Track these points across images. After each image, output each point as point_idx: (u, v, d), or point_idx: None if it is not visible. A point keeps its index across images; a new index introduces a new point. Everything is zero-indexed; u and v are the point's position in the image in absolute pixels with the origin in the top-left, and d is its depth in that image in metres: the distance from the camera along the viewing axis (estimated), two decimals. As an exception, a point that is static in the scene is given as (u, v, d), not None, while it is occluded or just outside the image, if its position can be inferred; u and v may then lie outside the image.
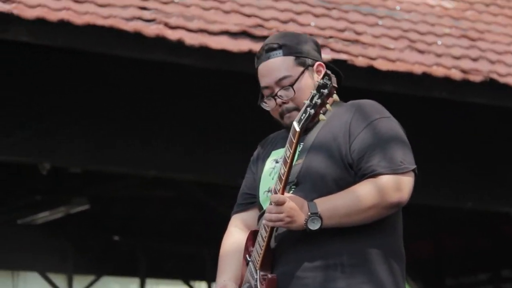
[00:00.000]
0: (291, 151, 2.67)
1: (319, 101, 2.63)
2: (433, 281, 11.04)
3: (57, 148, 6.45)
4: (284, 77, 2.83)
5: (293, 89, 2.82)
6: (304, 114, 2.66)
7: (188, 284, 11.16)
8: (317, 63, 2.87)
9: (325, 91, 2.63)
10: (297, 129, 2.66)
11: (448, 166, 7.40)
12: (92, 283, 10.52)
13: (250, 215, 2.93)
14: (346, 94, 2.87)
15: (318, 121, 2.71)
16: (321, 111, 2.65)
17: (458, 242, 10.54)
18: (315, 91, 2.64)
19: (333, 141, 2.78)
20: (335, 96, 2.68)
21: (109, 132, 6.57)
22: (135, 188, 8.85)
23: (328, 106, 2.66)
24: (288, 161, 2.67)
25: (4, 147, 6.29)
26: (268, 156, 2.92)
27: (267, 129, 3.03)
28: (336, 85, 2.67)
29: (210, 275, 10.83)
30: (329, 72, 2.69)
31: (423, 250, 10.31)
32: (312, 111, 2.64)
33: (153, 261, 10.61)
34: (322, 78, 2.65)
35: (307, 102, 2.66)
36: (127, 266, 10.67)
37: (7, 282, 10.05)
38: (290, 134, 2.69)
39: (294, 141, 2.66)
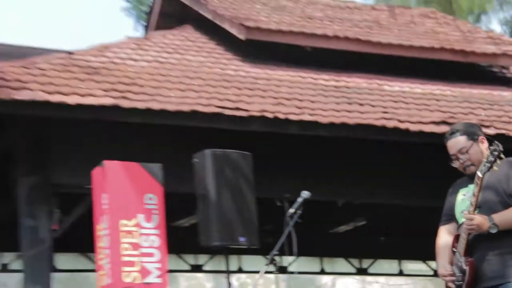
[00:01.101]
0: (478, 189, 4.32)
1: (493, 159, 4.26)
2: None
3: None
4: (462, 148, 4.52)
5: (468, 154, 4.50)
6: (483, 167, 4.28)
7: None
8: (480, 137, 4.56)
9: (496, 153, 4.26)
10: (480, 175, 4.30)
11: None
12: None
13: (451, 226, 4.63)
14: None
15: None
16: (494, 165, 4.27)
17: None
18: (489, 153, 4.28)
19: (498, 183, 4.42)
20: (503, 156, 4.27)
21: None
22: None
23: (498, 161, 4.26)
24: (476, 194, 4.33)
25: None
26: (458, 192, 4.61)
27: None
28: (502, 149, 4.26)
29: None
30: (497, 143, 4.26)
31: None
32: (489, 164, 4.26)
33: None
34: (493, 145, 4.26)
35: (485, 160, 4.28)
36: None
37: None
38: (476, 178, 4.30)
39: (479, 183, 4.32)
